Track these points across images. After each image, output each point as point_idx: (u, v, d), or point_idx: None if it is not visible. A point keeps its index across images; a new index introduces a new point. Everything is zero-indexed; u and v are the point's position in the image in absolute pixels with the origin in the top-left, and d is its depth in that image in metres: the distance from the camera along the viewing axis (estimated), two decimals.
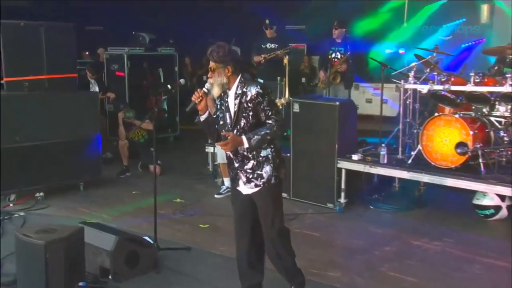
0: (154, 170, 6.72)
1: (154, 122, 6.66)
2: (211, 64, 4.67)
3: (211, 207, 8.26)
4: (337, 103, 8.05)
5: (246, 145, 4.59)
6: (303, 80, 16.20)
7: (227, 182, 8.75)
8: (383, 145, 8.28)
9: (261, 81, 9.94)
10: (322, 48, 11.04)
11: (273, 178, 4.75)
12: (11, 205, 8.33)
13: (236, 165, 4.80)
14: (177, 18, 17.51)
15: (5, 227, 7.25)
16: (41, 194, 8.63)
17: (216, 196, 8.82)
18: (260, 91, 4.60)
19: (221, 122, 4.78)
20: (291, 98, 8.98)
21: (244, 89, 4.62)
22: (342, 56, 10.44)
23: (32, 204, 8.34)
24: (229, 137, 4.56)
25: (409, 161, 7.93)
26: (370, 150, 8.67)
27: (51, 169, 8.75)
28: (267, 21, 10.70)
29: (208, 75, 4.68)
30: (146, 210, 7.82)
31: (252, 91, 4.61)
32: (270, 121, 4.62)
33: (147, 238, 6.32)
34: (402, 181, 8.58)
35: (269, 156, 4.73)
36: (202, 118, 4.75)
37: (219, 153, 8.74)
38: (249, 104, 4.60)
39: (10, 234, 6.79)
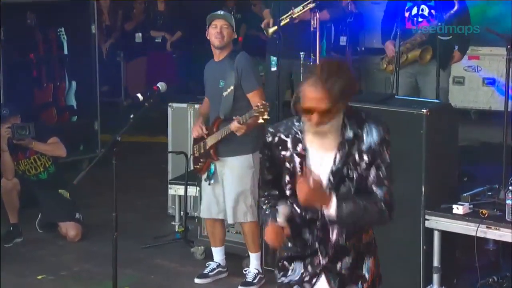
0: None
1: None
2: (319, 103, 3.15)
3: None
4: (423, 110, 5.66)
5: (333, 211, 3.23)
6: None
7: (218, 254, 6.11)
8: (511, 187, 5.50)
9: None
10: None
11: (378, 279, 3.55)
12: None
13: (322, 260, 3.40)
14: None
15: None
16: None
17: (197, 281, 6.15)
18: (386, 135, 3.33)
19: (286, 180, 3.41)
20: None
21: (358, 130, 3.32)
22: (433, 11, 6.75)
23: None
24: (311, 180, 3.17)
25: None
26: (483, 195, 5.97)
27: None
28: None
29: (313, 122, 3.17)
30: None
31: (374, 134, 3.31)
32: (378, 191, 3.31)
33: None
34: None
35: (372, 242, 3.52)
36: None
37: (206, 200, 5.94)
38: (365, 157, 3.31)
39: None
